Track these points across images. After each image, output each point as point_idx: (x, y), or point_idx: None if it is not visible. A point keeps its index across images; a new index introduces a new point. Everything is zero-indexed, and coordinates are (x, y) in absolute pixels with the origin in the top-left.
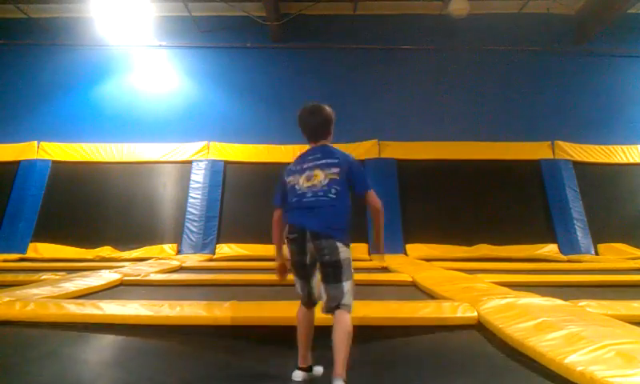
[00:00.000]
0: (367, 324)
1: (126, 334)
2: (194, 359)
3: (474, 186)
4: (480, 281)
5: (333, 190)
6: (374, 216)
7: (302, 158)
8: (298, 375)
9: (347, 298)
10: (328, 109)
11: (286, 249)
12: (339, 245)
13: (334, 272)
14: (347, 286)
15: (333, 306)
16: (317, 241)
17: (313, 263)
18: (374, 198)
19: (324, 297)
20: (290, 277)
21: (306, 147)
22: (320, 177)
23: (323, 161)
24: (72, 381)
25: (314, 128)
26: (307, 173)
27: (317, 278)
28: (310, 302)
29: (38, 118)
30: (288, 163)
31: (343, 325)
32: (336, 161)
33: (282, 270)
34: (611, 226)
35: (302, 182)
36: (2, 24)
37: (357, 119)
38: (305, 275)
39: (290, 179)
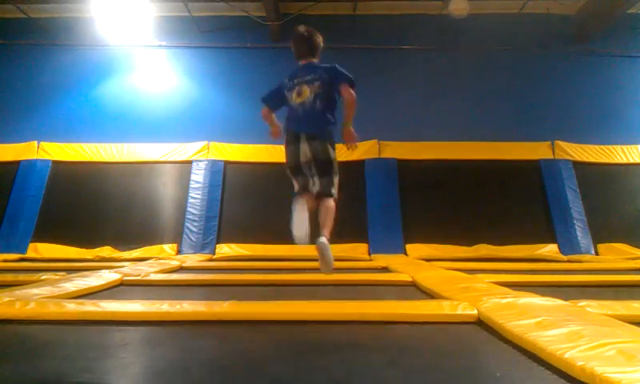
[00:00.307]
0: (367, 320)
1: (126, 332)
2: (194, 358)
3: (474, 185)
4: (480, 281)
5: (318, 102)
6: (346, 105)
7: (294, 74)
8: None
9: (334, 190)
10: (318, 35)
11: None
12: (329, 145)
13: (327, 168)
14: (335, 180)
15: (323, 193)
16: (311, 141)
17: (305, 162)
18: (347, 90)
19: (317, 187)
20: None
21: None
22: (307, 93)
23: (309, 77)
24: (72, 380)
25: (307, 48)
26: (297, 88)
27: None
28: (304, 189)
29: (37, 118)
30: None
31: (328, 205)
32: (317, 76)
33: (276, 133)
34: (611, 226)
35: (294, 98)
36: (2, 24)
37: (357, 119)
38: (298, 173)
39: (286, 94)
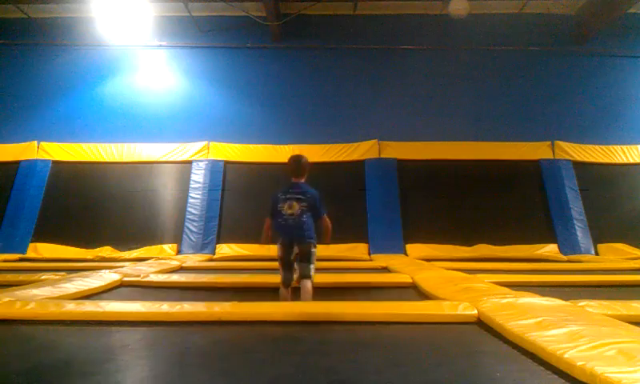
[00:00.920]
0: (368, 321)
1: (126, 333)
2: (195, 359)
3: (474, 186)
4: (480, 281)
5: (304, 216)
6: (325, 231)
7: (286, 190)
8: None
9: (311, 273)
10: (305, 159)
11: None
12: (311, 245)
13: (307, 258)
14: (312, 267)
15: (303, 276)
16: (300, 244)
17: (292, 259)
18: (326, 220)
19: (298, 272)
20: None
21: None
22: (296, 207)
23: (298, 196)
24: (72, 380)
25: (297, 170)
26: (288, 202)
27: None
28: (288, 283)
29: (37, 118)
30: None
31: (307, 287)
32: (305, 197)
33: (266, 242)
34: (611, 226)
35: (285, 209)
36: (2, 24)
37: (357, 119)
38: (288, 267)
39: (279, 205)
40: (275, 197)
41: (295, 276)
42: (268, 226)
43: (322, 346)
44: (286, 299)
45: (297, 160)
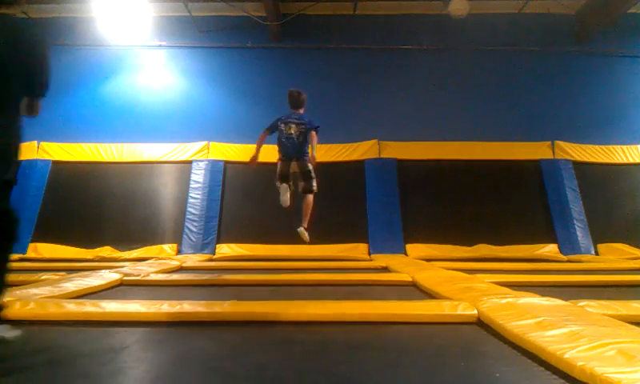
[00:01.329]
0: (368, 321)
1: (126, 332)
2: (195, 359)
3: (474, 185)
4: (480, 281)
5: (300, 137)
6: (313, 142)
7: (288, 116)
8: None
9: (314, 186)
10: (304, 94)
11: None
12: (308, 162)
13: (309, 174)
14: (314, 181)
15: (307, 190)
16: (299, 161)
17: (293, 173)
18: (313, 134)
19: (303, 185)
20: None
21: None
22: (294, 129)
23: (297, 121)
24: (72, 381)
25: (296, 103)
26: (289, 124)
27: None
28: (284, 180)
29: (37, 118)
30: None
31: (309, 199)
32: (303, 122)
33: (253, 161)
34: (611, 226)
35: (286, 130)
36: None
37: (357, 119)
38: (285, 179)
39: (281, 126)
40: (278, 119)
41: (288, 194)
42: (261, 139)
43: (321, 347)
44: (285, 193)
45: (297, 94)
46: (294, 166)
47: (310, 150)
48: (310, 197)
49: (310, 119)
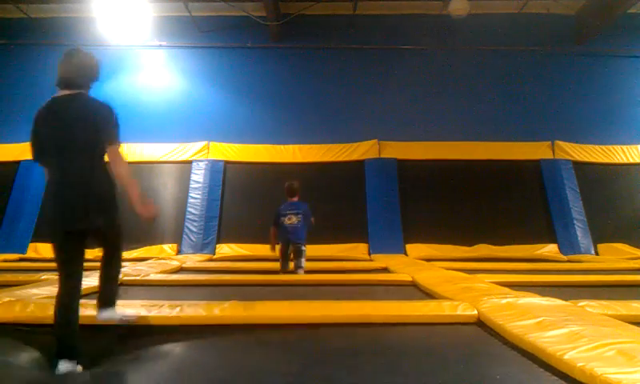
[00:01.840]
0: (368, 322)
1: (126, 332)
2: (195, 359)
3: (474, 186)
4: (480, 281)
5: (299, 224)
6: (308, 228)
7: (285, 207)
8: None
9: (303, 264)
10: (297, 183)
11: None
12: (303, 246)
13: (300, 255)
14: (304, 261)
15: (298, 267)
16: (295, 244)
17: (289, 254)
18: (312, 220)
19: (294, 263)
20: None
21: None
22: (294, 218)
23: (295, 211)
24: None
25: (293, 193)
26: (288, 216)
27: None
28: (284, 269)
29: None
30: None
31: (300, 274)
32: (300, 211)
33: (273, 247)
34: (611, 226)
35: (286, 221)
36: (2, 24)
37: (357, 119)
38: (285, 258)
39: (281, 219)
40: (278, 212)
41: (291, 265)
42: (274, 233)
43: (321, 347)
44: (284, 267)
45: (291, 186)
46: (291, 248)
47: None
48: (302, 271)
49: (304, 207)
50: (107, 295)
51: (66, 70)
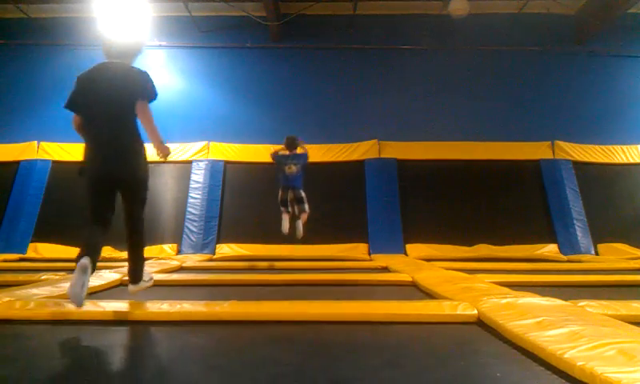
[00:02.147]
0: (368, 321)
1: (126, 332)
2: (195, 358)
3: (473, 186)
4: (480, 281)
5: (298, 173)
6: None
7: (287, 156)
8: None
9: (307, 208)
10: (298, 139)
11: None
12: (302, 191)
13: (302, 199)
14: (306, 204)
15: (302, 211)
16: (295, 190)
17: (290, 199)
18: (307, 158)
19: (299, 208)
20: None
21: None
22: (293, 168)
23: (295, 161)
24: (72, 380)
25: (293, 145)
26: (289, 164)
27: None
28: (286, 214)
29: (37, 118)
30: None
31: (304, 218)
32: (300, 161)
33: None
34: (611, 226)
35: (286, 169)
36: (2, 24)
37: (357, 119)
38: (285, 204)
39: (283, 166)
40: (280, 159)
41: (287, 223)
42: (275, 152)
43: (321, 347)
44: (285, 221)
45: (292, 139)
46: (290, 194)
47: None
48: (305, 216)
49: (304, 156)
50: (134, 266)
51: (112, 43)
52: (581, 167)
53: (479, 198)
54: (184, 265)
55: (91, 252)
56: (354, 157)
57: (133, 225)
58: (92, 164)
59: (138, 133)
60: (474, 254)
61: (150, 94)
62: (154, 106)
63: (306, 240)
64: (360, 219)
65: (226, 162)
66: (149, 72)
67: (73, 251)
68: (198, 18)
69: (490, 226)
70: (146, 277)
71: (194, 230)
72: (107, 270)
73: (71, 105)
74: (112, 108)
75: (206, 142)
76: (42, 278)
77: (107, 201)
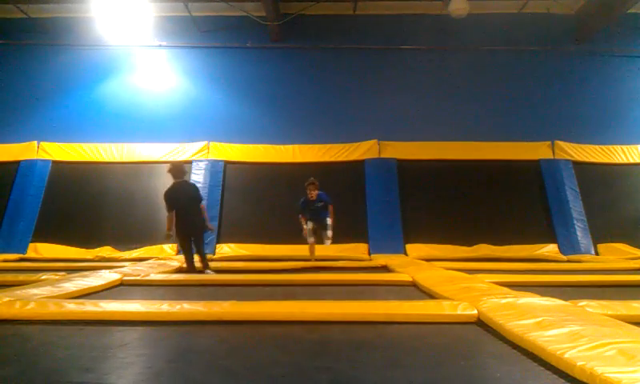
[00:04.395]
0: (368, 321)
1: (126, 332)
2: (194, 358)
3: (474, 186)
4: (480, 281)
5: (321, 211)
6: (331, 213)
7: (312, 202)
8: None
9: (330, 234)
10: (318, 186)
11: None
12: (326, 220)
13: (327, 227)
14: (330, 232)
15: (327, 237)
16: (320, 223)
17: (313, 229)
18: (331, 207)
19: (324, 234)
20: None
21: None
22: (318, 207)
23: (318, 203)
24: (72, 380)
25: (314, 187)
26: (315, 205)
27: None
28: (312, 242)
29: (38, 118)
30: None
31: (328, 238)
32: (322, 201)
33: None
34: (611, 226)
35: (312, 208)
36: (2, 24)
37: (357, 119)
38: (312, 234)
39: (307, 209)
40: (304, 203)
41: (314, 240)
42: (303, 218)
43: (321, 346)
44: (312, 248)
45: (311, 183)
46: (317, 225)
47: (330, 218)
48: (329, 240)
49: (325, 197)
50: (204, 263)
51: (176, 172)
52: (581, 167)
53: (479, 198)
54: (184, 265)
55: (189, 256)
56: (354, 157)
57: (199, 252)
58: (181, 228)
59: (199, 213)
60: (474, 254)
61: (201, 198)
62: (154, 107)
63: (305, 240)
64: (360, 219)
65: (226, 162)
66: (149, 72)
67: (73, 251)
68: (198, 18)
69: (489, 226)
70: (208, 271)
71: None
72: (107, 271)
73: (170, 206)
74: (187, 204)
75: (206, 141)
76: (42, 278)
77: (189, 242)
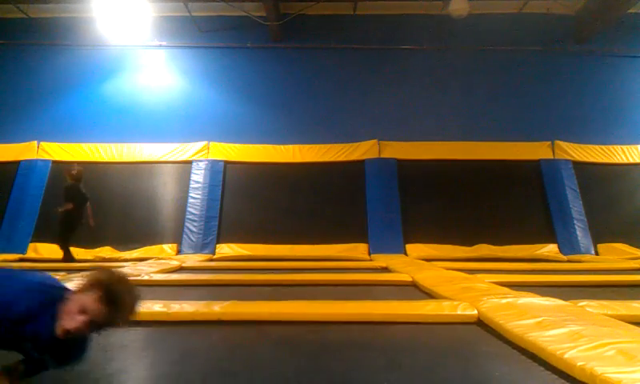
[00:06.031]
0: (368, 321)
1: (126, 332)
2: (195, 358)
3: (474, 186)
4: (480, 281)
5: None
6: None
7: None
8: None
9: None
10: None
11: None
12: None
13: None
14: None
15: None
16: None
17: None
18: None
19: None
20: None
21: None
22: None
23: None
24: (72, 381)
25: None
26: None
27: None
28: None
29: (37, 118)
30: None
31: None
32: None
33: None
34: (611, 226)
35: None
36: (2, 24)
37: (357, 119)
38: None
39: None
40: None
41: None
42: None
43: (321, 346)
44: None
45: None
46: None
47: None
48: None
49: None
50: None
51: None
52: (581, 167)
53: (479, 198)
54: (184, 265)
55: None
56: (354, 157)
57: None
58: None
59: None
60: (474, 254)
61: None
62: (154, 107)
63: (305, 240)
64: (360, 219)
65: (226, 162)
66: (149, 72)
67: (73, 251)
68: (198, 18)
69: (490, 226)
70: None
71: (194, 230)
72: None
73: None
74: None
75: (206, 141)
76: None
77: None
